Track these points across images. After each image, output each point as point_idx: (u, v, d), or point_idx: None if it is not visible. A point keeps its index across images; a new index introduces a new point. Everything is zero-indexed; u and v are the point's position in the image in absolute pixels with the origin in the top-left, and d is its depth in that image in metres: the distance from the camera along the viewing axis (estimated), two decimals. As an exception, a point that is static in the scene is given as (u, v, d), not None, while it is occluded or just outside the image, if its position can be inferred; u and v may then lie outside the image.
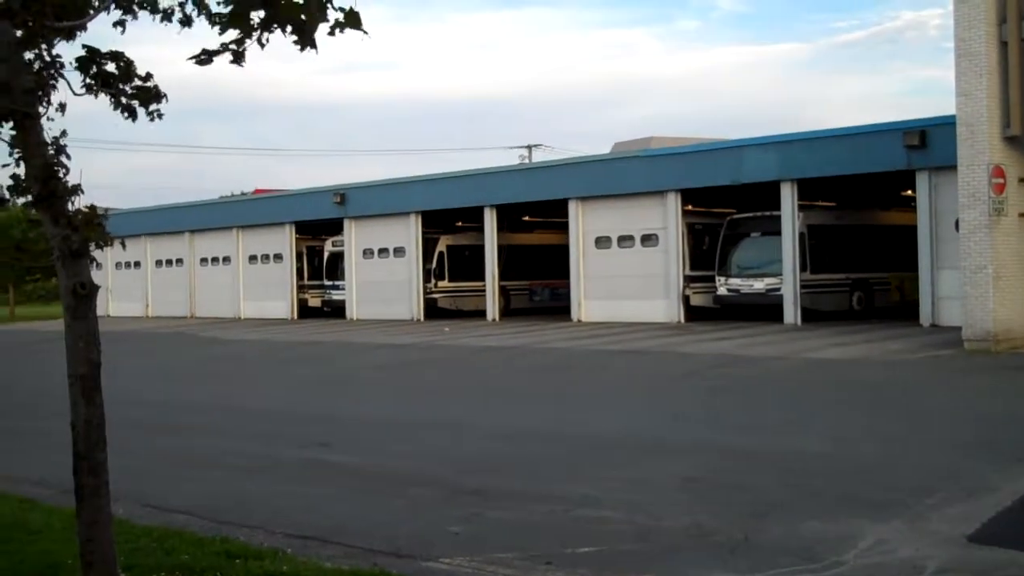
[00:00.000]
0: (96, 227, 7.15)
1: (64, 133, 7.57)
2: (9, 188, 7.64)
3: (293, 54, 5.31)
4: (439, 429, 17.15)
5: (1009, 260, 24.79)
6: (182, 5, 9.56)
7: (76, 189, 7.32)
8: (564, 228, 40.63)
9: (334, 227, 48.94)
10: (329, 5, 4.93)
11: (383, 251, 46.95)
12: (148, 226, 55.37)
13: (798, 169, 33.63)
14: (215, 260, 55.18)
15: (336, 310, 48.78)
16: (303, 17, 4.93)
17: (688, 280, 37.06)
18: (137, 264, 58.26)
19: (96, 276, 7.24)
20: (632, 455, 14.20)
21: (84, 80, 9.21)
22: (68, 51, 9.45)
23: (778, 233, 34.10)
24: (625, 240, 38.59)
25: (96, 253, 7.52)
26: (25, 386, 26.67)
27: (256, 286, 52.69)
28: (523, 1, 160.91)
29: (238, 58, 5.22)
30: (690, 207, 37.65)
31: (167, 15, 9.73)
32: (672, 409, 19.04)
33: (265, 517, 10.69)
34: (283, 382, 25.81)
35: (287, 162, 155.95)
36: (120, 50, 9.21)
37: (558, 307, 42.94)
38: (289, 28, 4.94)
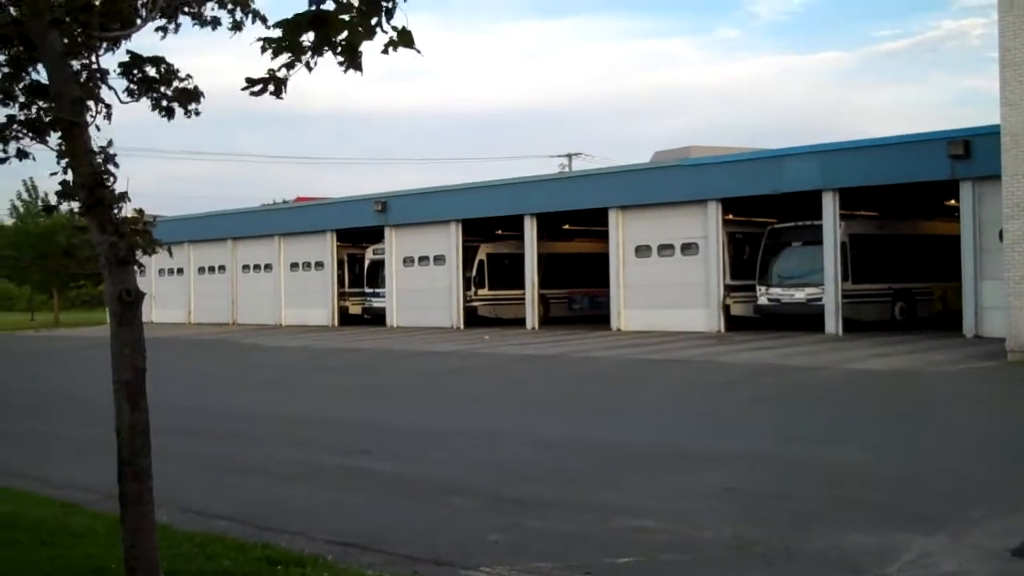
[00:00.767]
0: (143, 234, 7.23)
1: (111, 142, 7.65)
2: (57, 195, 7.74)
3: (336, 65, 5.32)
4: (479, 437, 17.16)
5: (1054, 271, 24.55)
6: (231, 11, 9.69)
7: (123, 197, 7.39)
8: (604, 237, 40.60)
9: (375, 235, 49.15)
10: (379, 28, 4.94)
11: (423, 259, 47.08)
12: (191, 233, 55.81)
13: (840, 178, 33.44)
14: (257, 267, 55.55)
15: (376, 317, 48.97)
16: (353, 39, 4.95)
17: (728, 289, 36.92)
18: (180, 271, 58.71)
19: (140, 283, 7.30)
20: (672, 464, 14.16)
21: (127, 85, 9.34)
22: (113, 60, 9.56)
23: (819, 243, 33.92)
24: (665, 249, 38.50)
25: (141, 259, 7.59)
26: (69, 391, 26.93)
27: (297, 293, 52.99)
28: (564, 11, 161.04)
29: (279, 89, 5.26)
30: (731, 216, 37.53)
31: (215, 23, 9.86)
32: (712, 419, 18.96)
33: (306, 524, 10.73)
34: (323, 389, 25.91)
35: (328, 170, 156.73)
36: (161, 55, 9.32)
37: (597, 316, 42.89)
38: (339, 49, 4.96)
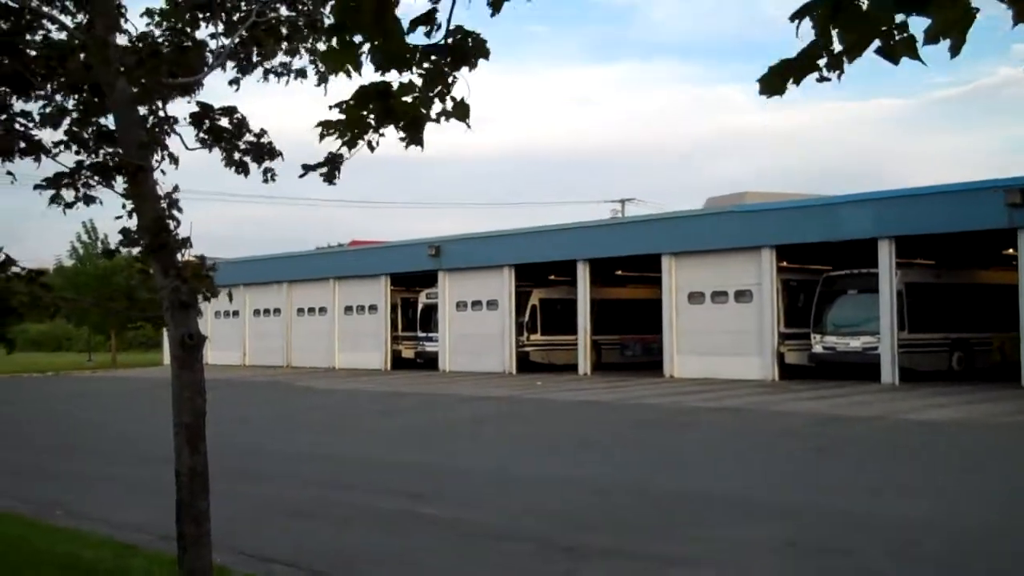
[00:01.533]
0: (205, 279, 7.31)
1: (176, 188, 7.76)
2: (121, 239, 7.85)
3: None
4: (532, 482, 17.09)
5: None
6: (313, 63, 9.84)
7: (186, 242, 7.50)
8: (657, 282, 40.50)
9: (428, 279, 49.34)
10: (446, 96, 5.00)
11: (476, 303, 47.18)
12: (247, 276, 56.33)
13: (896, 226, 33.18)
14: (311, 310, 55.92)
15: (429, 361, 49.06)
16: (416, 117, 5.01)
17: (783, 337, 36.67)
18: (236, 313, 59.20)
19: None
20: (728, 514, 14.01)
21: (197, 135, 9.49)
22: (186, 108, 9.72)
23: (875, 291, 33.63)
24: (719, 296, 38.34)
25: (202, 303, 7.68)
26: (125, 431, 27.15)
27: (351, 336, 53.25)
28: (616, 57, 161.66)
29: (332, 174, 5.34)
30: (785, 263, 37.32)
31: (300, 73, 10.02)
32: (768, 468, 18.76)
33: (359, 567, 10.73)
34: (376, 432, 25.94)
35: (382, 214, 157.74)
36: (233, 105, 9.47)
37: (650, 362, 42.72)
38: (401, 124, 5.02)
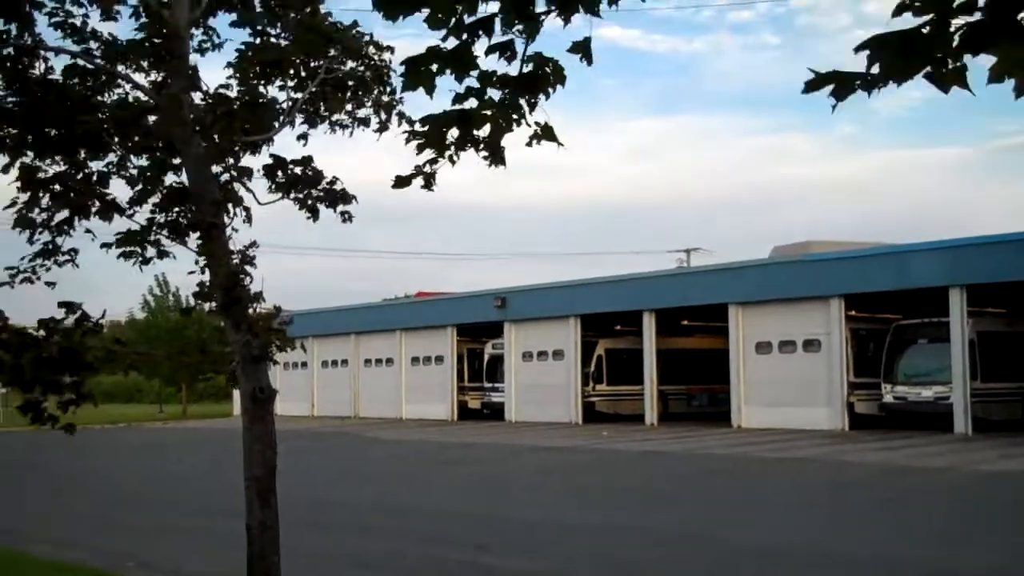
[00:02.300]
0: (277, 332, 7.46)
1: (254, 243, 7.92)
2: (195, 294, 8.03)
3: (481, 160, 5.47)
4: (599, 532, 17.02)
5: None
6: (377, 111, 10.04)
7: (258, 297, 7.67)
8: (723, 332, 40.28)
9: (494, 330, 49.45)
10: (523, 121, 5.09)
11: (542, 354, 47.20)
12: (315, 328, 56.80)
13: (967, 275, 32.79)
14: (379, 361, 56.26)
15: (495, 412, 49.07)
16: (495, 135, 5.11)
17: (852, 387, 36.25)
18: (304, 364, 59.66)
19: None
20: (799, 568, 13.87)
21: (270, 186, 9.72)
22: (256, 161, 9.95)
23: (946, 340, 33.19)
24: (786, 345, 38.04)
25: (274, 356, 7.82)
26: (198, 483, 27.43)
27: (418, 387, 53.46)
28: (679, 109, 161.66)
29: (429, 182, 5.44)
30: (853, 312, 36.95)
31: (363, 122, 10.23)
32: (839, 520, 18.53)
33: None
34: (443, 483, 25.98)
35: (448, 265, 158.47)
36: (308, 155, 9.70)
37: (717, 412, 42.40)
38: (482, 145, 5.12)
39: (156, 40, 9.32)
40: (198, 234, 8.28)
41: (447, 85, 4.83)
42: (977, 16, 3.69)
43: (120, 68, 9.54)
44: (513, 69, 4.84)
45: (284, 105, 10.04)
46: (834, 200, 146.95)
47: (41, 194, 9.36)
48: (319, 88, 10.14)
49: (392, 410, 54.21)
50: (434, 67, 4.66)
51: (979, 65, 3.77)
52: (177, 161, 9.09)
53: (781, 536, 16.57)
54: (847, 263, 36.76)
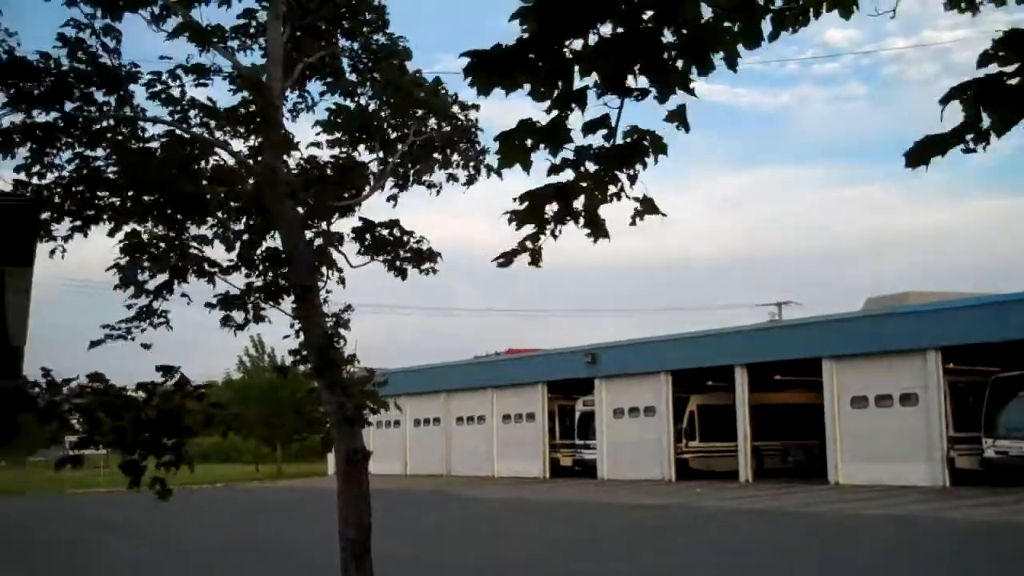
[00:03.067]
0: (371, 394, 7.55)
1: (349, 307, 8.05)
2: (291, 352, 8.17)
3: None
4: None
5: None
6: (465, 166, 10.20)
7: (352, 359, 7.78)
8: (818, 387, 39.69)
9: (585, 386, 49.30)
10: (624, 195, 5.11)
11: (633, 410, 46.91)
12: (406, 386, 57.03)
13: (1069, 325, 32.00)
14: (470, 419, 56.35)
15: (587, 469, 48.79)
16: (593, 207, 5.14)
17: (952, 442, 35.42)
18: (396, 423, 59.93)
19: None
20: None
21: (360, 249, 9.90)
22: (344, 223, 10.14)
23: (1050, 392, 32.37)
24: (883, 400, 37.35)
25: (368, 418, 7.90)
26: (291, 542, 27.61)
27: (509, 445, 53.40)
28: (764, 161, 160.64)
29: (536, 259, 5.50)
30: (951, 365, 36.20)
31: (452, 178, 10.40)
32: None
33: None
34: (540, 541, 25.84)
35: (536, 322, 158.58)
36: (396, 219, 9.87)
37: (813, 469, 41.67)
38: (582, 221, 5.16)
39: (251, 108, 9.58)
40: (293, 297, 8.44)
41: (541, 155, 4.86)
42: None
43: (216, 135, 9.81)
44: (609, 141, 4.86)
45: (374, 168, 10.25)
46: (926, 250, 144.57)
47: (141, 256, 9.63)
48: (408, 150, 10.33)
49: (484, 468, 54.18)
50: (529, 142, 4.70)
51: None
52: (272, 226, 9.32)
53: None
54: (944, 315, 36.08)
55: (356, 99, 10.20)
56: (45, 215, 9.36)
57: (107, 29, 9.70)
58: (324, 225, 9.42)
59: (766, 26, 4.71)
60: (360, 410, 7.38)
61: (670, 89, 4.57)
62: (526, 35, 4.40)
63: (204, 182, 9.67)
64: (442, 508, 37.61)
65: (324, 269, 8.89)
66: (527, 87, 4.58)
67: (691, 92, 4.55)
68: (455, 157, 10.41)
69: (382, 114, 10.10)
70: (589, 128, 4.84)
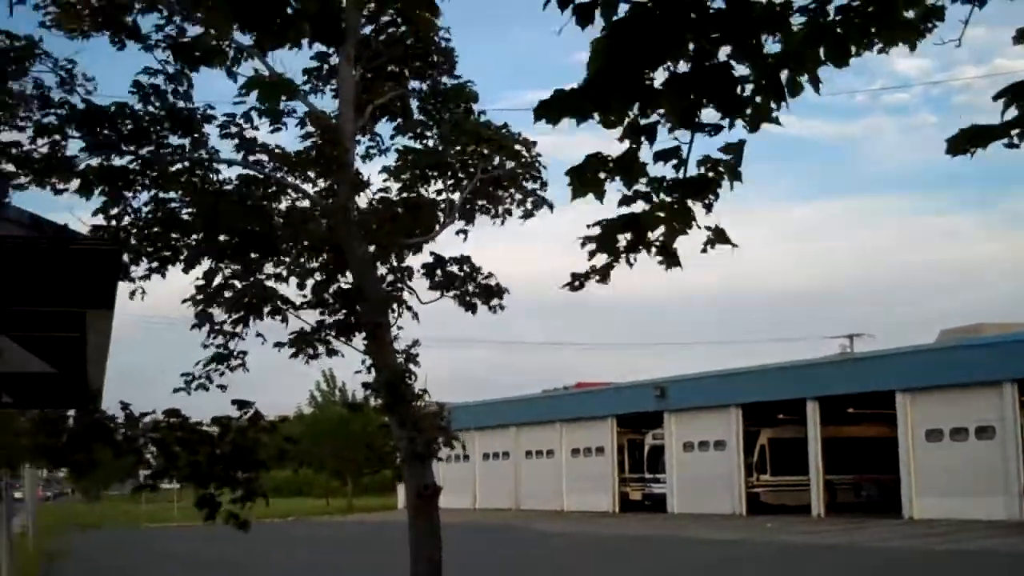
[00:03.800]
0: (441, 429, 7.66)
1: (416, 342, 8.19)
2: (364, 385, 8.30)
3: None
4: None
5: None
6: (522, 202, 10.31)
7: (422, 395, 7.89)
8: (891, 420, 39.17)
9: (654, 420, 49.07)
10: (695, 224, 5.12)
11: (703, 444, 46.60)
12: (475, 420, 57.10)
13: None
14: (539, 453, 56.25)
15: (657, 503, 48.49)
16: (668, 238, 5.16)
17: (1030, 475, 34.75)
18: (466, 457, 59.90)
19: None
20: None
21: (430, 284, 10.06)
22: (416, 260, 10.30)
23: None
24: (958, 433, 36.77)
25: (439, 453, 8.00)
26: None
27: (578, 479, 53.21)
28: (835, 192, 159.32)
29: (605, 275, 5.56)
30: (1028, 397, 35.56)
31: (516, 202, 10.54)
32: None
33: None
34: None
35: (604, 355, 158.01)
36: (467, 254, 10.02)
37: (887, 503, 41.06)
38: (654, 249, 5.20)
39: (322, 149, 9.79)
40: (364, 334, 8.58)
41: (613, 185, 4.89)
42: None
43: (289, 177, 10.03)
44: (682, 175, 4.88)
45: (443, 205, 10.41)
46: (1001, 280, 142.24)
47: (217, 295, 9.84)
48: (476, 186, 10.48)
49: (553, 502, 54.00)
50: (602, 174, 4.74)
51: None
52: (344, 263, 9.49)
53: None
54: (1020, 346, 35.44)
55: (424, 141, 10.39)
56: (125, 257, 9.60)
57: (179, 75, 9.97)
58: (395, 262, 9.59)
59: (846, 80, 4.71)
60: (430, 445, 7.49)
61: (755, 123, 4.59)
62: (593, 75, 4.44)
63: (279, 221, 9.88)
64: (512, 543, 37.56)
65: (395, 305, 9.04)
66: (596, 116, 4.61)
67: (776, 122, 4.57)
68: (520, 195, 10.55)
69: (450, 153, 10.27)
70: (659, 157, 4.87)
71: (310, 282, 9.75)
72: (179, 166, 10.15)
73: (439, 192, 10.34)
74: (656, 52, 4.44)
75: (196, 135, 10.08)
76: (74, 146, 10.09)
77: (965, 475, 35.82)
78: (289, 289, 9.99)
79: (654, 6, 4.28)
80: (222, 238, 9.86)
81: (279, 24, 4.10)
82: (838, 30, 4.51)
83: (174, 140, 10.12)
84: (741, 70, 4.55)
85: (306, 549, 38.65)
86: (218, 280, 9.81)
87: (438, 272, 9.89)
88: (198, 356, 9.60)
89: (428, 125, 10.40)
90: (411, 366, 8.11)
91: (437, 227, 9.69)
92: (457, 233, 10.54)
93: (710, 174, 5.03)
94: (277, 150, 10.03)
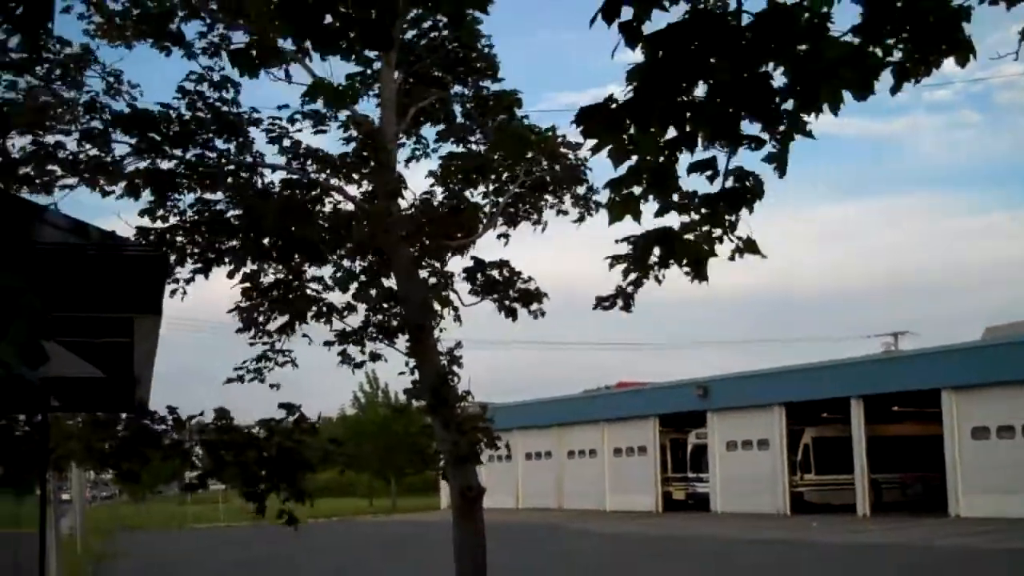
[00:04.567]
0: (484, 431, 7.70)
1: (459, 344, 8.24)
2: (407, 394, 8.36)
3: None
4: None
5: None
6: (576, 203, 10.35)
7: (465, 396, 7.94)
8: (936, 418, 38.84)
9: (697, 419, 48.91)
10: (727, 236, 5.13)
11: (747, 443, 46.39)
12: (518, 420, 57.10)
13: None
14: (582, 453, 56.20)
15: (700, 502, 48.33)
16: (700, 255, 5.17)
17: (1077, 473, 34.37)
18: (508, 457, 59.94)
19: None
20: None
21: (471, 288, 10.10)
22: (456, 263, 10.34)
23: None
24: (1005, 431, 36.41)
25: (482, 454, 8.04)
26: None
27: (621, 478, 53.13)
28: (876, 190, 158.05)
29: (628, 304, 5.59)
30: (1076, 394, 35.17)
31: (558, 210, 10.57)
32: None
33: None
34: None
35: (646, 355, 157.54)
36: (506, 259, 10.05)
37: (932, 501, 40.72)
38: (684, 262, 5.22)
39: (364, 152, 9.86)
40: (407, 336, 8.64)
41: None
42: None
43: (332, 181, 10.11)
44: (715, 186, 4.89)
45: (486, 209, 10.45)
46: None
47: (260, 300, 9.94)
48: (519, 190, 10.51)
49: (596, 501, 53.94)
50: (637, 190, 4.74)
51: None
52: (387, 266, 9.55)
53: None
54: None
55: (467, 145, 10.43)
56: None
57: (224, 80, 10.07)
58: (437, 265, 9.64)
59: (887, 77, 4.70)
60: (474, 447, 7.54)
61: (788, 137, 4.60)
62: (632, 92, 4.45)
63: (323, 224, 9.96)
64: (556, 543, 37.55)
65: (437, 308, 9.09)
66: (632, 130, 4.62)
67: (809, 135, 4.58)
68: (566, 197, 10.56)
69: (494, 157, 10.30)
70: (694, 169, 4.88)
71: (353, 285, 9.82)
72: (225, 168, 10.25)
73: (483, 195, 10.39)
74: (696, 66, 4.46)
75: (241, 138, 10.18)
76: (120, 150, 10.22)
77: (1012, 473, 35.45)
78: (334, 294, 10.08)
79: (692, 19, 4.29)
80: (266, 241, 9.96)
81: (332, 32, 4.17)
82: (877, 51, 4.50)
83: (220, 143, 10.23)
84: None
85: (350, 549, 38.81)
86: (265, 280, 9.89)
87: (479, 276, 9.93)
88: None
89: (471, 129, 10.44)
90: (454, 368, 8.16)
91: (480, 229, 9.74)
92: (498, 237, 10.58)
93: (747, 183, 5.03)
94: (320, 153, 10.12)
